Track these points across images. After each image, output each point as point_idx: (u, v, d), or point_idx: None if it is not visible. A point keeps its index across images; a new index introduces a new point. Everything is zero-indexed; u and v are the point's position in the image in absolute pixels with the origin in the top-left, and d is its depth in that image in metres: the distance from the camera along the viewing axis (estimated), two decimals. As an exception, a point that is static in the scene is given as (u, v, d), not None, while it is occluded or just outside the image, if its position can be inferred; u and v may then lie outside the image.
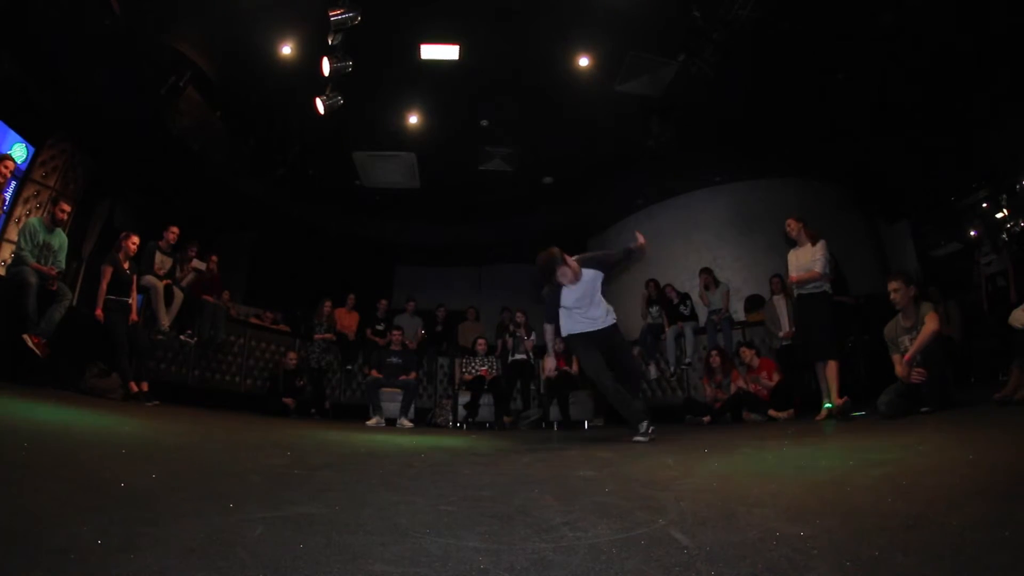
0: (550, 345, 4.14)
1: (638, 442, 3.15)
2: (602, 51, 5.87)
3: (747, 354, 5.61)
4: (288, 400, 6.19)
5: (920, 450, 2.05)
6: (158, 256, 5.60)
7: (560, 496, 1.55)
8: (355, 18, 5.15)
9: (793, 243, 4.65)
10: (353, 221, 9.66)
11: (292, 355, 6.62)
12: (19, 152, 5.71)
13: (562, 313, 3.59)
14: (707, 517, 1.22)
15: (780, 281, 6.11)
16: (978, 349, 5.88)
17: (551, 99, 6.50)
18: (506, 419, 6.61)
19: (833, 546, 0.98)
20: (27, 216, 5.65)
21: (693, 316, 7.02)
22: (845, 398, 4.03)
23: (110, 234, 6.21)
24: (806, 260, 4.44)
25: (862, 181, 8.11)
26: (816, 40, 5.47)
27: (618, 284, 9.19)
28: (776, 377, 5.31)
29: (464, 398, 6.70)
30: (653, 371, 7.09)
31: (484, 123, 7.06)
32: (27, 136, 5.82)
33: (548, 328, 3.69)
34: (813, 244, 4.45)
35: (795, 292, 4.69)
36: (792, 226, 4.60)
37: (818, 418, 4.26)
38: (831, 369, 4.22)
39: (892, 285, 3.82)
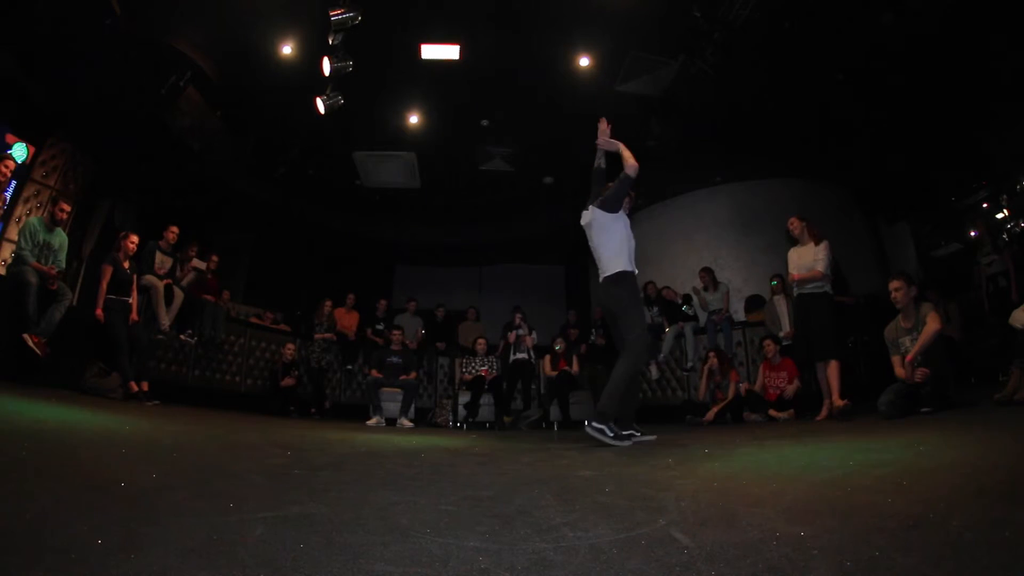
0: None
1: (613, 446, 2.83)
2: (602, 51, 5.87)
3: (770, 348, 5.52)
4: (289, 380, 6.25)
5: (920, 450, 2.04)
6: (158, 256, 5.60)
7: (560, 496, 1.54)
8: (355, 18, 5.15)
9: (794, 241, 4.64)
10: (353, 221, 9.66)
11: (290, 346, 6.69)
12: (19, 152, 5.71)
13: None
14: (707, 517, 1.22)
15: (781, 281, 6.11)
16: (978, 349, 5.88)
17: (551, 99, 6.50)
18: (506, 419, 6.62)
19: (833, 546, 0.98)
20: (27, 216, 5.66)
21: (695, 316, 7.02)
22: (846, 401, 4.02)
23: (110, 234, 6.21)
24: (808, 260, 4.42)
25: (862, 181, 8.11)
26: (816, 40, 5.47)
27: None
28: (795, 384, 5.21)
29: (464, 398, 6.70)
30: (654, 371, 7.09)
31: (484, 123, 7.06)
32: (27, 136, 5.82)
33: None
34: (816, 244, 4.43)
35: (794, 291, 4.68)
36: (795, 224, 4.59)
37: (818, 418, 4.26)
38: (832, 369, 4.20)
39: (894, 284, 3.82)
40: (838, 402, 4.05)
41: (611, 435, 2.90)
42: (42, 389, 3.97)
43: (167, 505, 1.27)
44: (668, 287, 7.32)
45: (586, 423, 2.98)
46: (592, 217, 3.37)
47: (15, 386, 3.79)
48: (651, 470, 2.05)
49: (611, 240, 3.28)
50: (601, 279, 3.32)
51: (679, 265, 8.19)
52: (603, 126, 3.58)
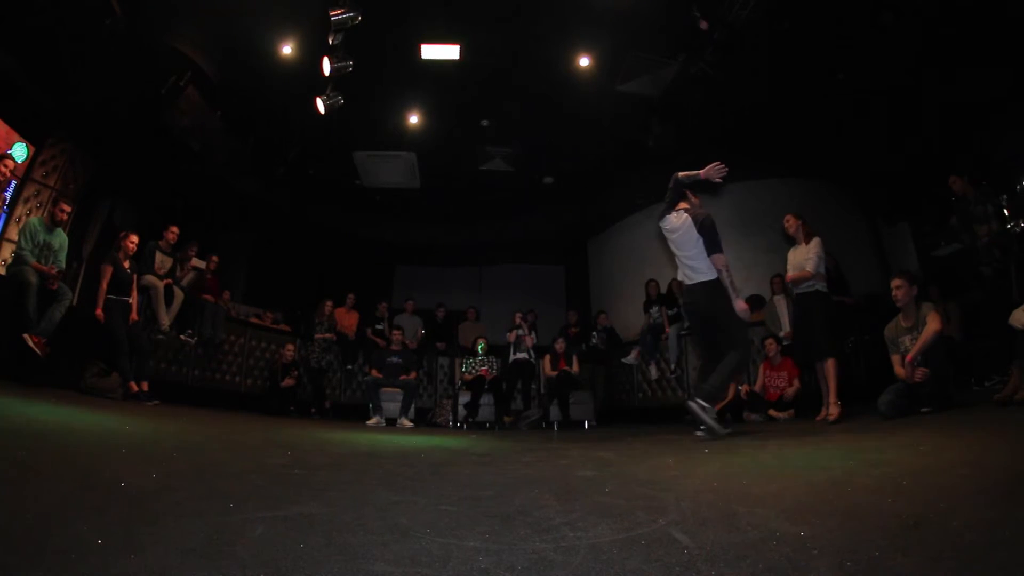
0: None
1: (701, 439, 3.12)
2: (602, 51, 5.87)
3: (771, 347, 5.52)
4: (289, 380, 6.26)
5: (920, 450, 2.05)
6: (158, 256, 5.61)
7: (560, 496, 1.54)
8: (355, 18, 5.15)
9: (792, 241, 4.64)
10: (353, 221, 9.67)
11: (290, 346, 6.70)
12: (19, 152, 5.71)
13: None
14: (708, 517, 1.22)
15: (781, 281, 6.11)
16: (978, 349, 5.87)
17: (551, 99, 6.50)
18: (506, 419, 6.62)
19: (833, 546, 0.98)
20: (27, 216, 5.65)
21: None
22: (839, 412, 3.96)
23: (110, 234, 6.21)
24: (800, 259, 4.42)
25: (862, 181, 8.11)
26: (816, 40, 5.47)
27: (617, 284, 9.20)
28: (795, 384, 5.21)
29: (464, 398, 6.70)
30: (654, 371, 7.09)
31: (484, 123, 7.06)
32: (27, 136, 5.82)
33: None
34: (807, 242, 4.43)
35: (792, 291, 4.67)
36: (790, 222, 4.56)
37: (818, 418, 4.25)
38: (829, 368, 4.19)
39: (895, 282, 3.82)
40: (832, 409, 3.99)
41: (714, 417, 3.15)
42: (42, 389, 3.97)
43: (167, 505, 1.27)
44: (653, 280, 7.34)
45: (692, 402, 3.20)
46: (682, 227, 3.60)
47: (15, 386, 3.79)
48: (651, 470, 2.05)
49: (700, 249, 3.56)
50: (696, 282, 3.56)
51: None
52: (720, 170, 3.68)
